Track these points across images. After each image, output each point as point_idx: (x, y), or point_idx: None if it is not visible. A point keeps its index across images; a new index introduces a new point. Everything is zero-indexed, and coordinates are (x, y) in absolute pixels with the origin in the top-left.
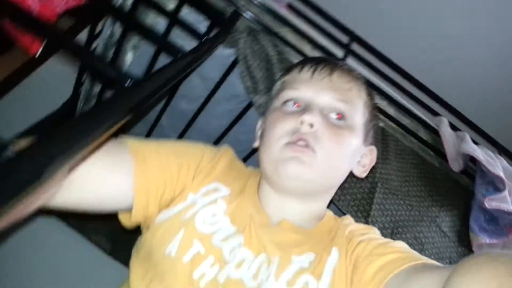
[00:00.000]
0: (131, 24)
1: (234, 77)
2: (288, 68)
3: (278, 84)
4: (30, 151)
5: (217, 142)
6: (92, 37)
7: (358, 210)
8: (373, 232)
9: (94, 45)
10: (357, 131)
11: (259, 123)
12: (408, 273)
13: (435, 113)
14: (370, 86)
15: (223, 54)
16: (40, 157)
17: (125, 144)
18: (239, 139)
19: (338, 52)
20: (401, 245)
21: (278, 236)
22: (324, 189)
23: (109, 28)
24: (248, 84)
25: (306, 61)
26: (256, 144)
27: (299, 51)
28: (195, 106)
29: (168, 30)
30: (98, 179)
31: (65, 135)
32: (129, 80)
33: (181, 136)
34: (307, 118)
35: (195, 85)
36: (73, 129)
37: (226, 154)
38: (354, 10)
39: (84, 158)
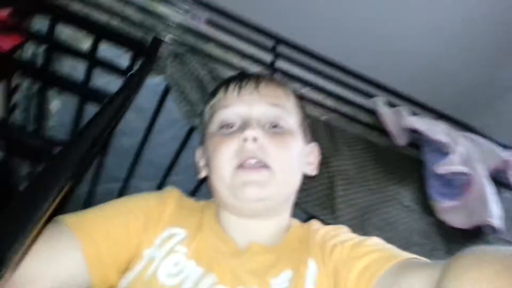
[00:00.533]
0: (47, 79)
1: (169, 103)
2: (212, 92)
3: (207, 110)
4: None
5: (169, 170)
6: (9, 95)
7: (324, 207)
8: (343, 232)
9: (12, 101)
10: (296, 133)
11: (198, 153)
12: (393, 274)
13: (370, 95)
14: (305, 84)
15: (153, 83)
16: None
17: (62, 224)
18: (191, 163)
19: (267, 57)
20: (376, 241)
21: (251, 263)
22: (285, 200)
23: (25, 84)
24: (186, 109)
25: (228, 80)
26: (202, 175)
27: (229, 64)
28: (136, 140)
29: (88, 74)
30: (50, 272)
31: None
32: (56, 147)
33: (130, 172)
34: (249, 133)
35: (132, 119)
36: (14, 217)
37: (171, 196)
38: (276, 12)
39: (28, 245)
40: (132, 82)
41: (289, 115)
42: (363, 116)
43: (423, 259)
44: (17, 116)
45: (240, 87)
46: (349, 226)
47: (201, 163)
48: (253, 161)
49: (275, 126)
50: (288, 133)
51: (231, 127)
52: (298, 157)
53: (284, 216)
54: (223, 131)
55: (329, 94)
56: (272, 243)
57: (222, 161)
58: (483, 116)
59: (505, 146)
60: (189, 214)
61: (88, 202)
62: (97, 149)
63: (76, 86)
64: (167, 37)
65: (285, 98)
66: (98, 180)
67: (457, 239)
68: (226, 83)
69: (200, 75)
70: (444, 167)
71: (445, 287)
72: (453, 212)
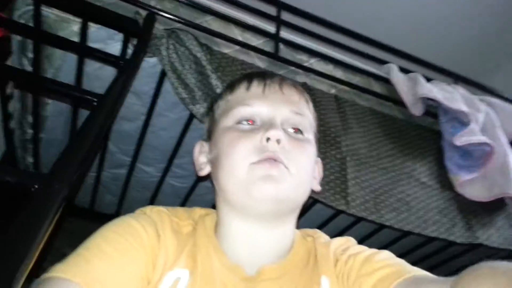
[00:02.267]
0: (39, 86)
1: (168, 85)
2: (231, 86)
3: (221, 103)
4: None
5: (174, 153)
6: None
7: (335, 192)
8: (353, 244)
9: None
10: (313, 143)
11: (198, 148)
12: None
13: (382, 62)
14: (312, 53)
15: (149, 64)
16: None
17: (63, 277)
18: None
19: (270, 28)
20: (386, 255)
21: None
22: (295, 207)
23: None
24: (183, 96)
25: (249, 76)
26: (202, 173)
27: (229, 39)
28: (138, 124)
29: (80, 66)
30: None
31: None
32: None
33: (134, 157)
34: (274, 133)
35: (131, 104)
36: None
37: (162, 220)
38: None
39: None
40: (127, 72)
41: (309, 124)
42: (376, 87)
43: (432, 275)
44: (13, 125)
45: (264, 85)
46: (362, 211)
47: (202, 159)
48: (272, 160)
49: (296, 132)
50: (307, 141)
51: (251, 123)
52: (312, 168)
53: (291, 226)
54: (241, 126)
55: (338, 63)
56: (280, 257)
57: (239, 156)
58: (501, 77)
59: None
60: (184, 243)
61: (96, 189)
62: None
63: (68, 90)
64: (161, 13)
65: (306, 107)
66: (103, 167)
67: (477, 213)
68: (247, 79)
69: (197, 57)
70: (464, 138)
71: None
72: (472, 185)
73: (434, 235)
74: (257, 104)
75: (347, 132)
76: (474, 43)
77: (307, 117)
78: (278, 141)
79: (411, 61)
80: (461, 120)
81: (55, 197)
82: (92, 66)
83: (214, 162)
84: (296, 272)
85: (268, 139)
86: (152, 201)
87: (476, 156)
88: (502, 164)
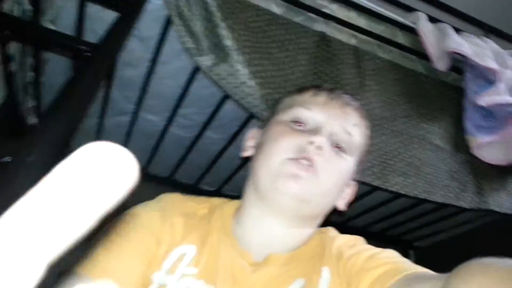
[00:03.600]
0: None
1: (174, 32)
2: (301, 89)
3: (288, 100)
4: None
5: (178, 103)
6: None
7: None
8: (360, 243)
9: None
10: (351, 164)
11: (252, 132)
12: (401, 285)
13: (410, 9)
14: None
15: (154, 6)
16: None
17: (84, 275)
18: (202, 95)
19: None
20: (390, 254)
21: (266, 276)
22: (315, 215)
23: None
24: (189, 45)
25: (321, 87)
26: (245, 153)
27: None
28: (141, 71)
29: (80, 18)
30: None
31: None
32: None
33: (137, 105)
34: (318, 140)
35: (135, 49)
36: None
37: (174, 208)
38: None
39: None
40: (126, 16)
41: (354, 146)
42: (400, 38)
43: (432, 272)
44: (14, 67)
45: (331, 97)
46: (368, 175)
47: (250, 143)
48: (306, 162)
49: (338, 147)
50: (345, 160)
51: (302, 125)
52: (341, 183)
53: (308, 230)
54: (293, 125)
55: (362, 10)
56: (289, 250)
57: (279, 149)
58: None
59: None
60: (196, 224)
61: (98, 136)
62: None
63: (63, 39)
64: None
65: (360, 132)
66: (105, 113)
67: (489, 178)
68: (318, 88)
69: (206, 2)
70: (488, 98)
71: None
72: (490, 147)
73: (441, 200)
74: (316, 111)
75: (363, 90)
76: None
77: (355, 139)
78: (319, 148)
79: (441, 9)
80: (488, 78)
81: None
82: (94, 7)
83: (258, 148)
84: (301, 262)
85: (311, 142)
86: (155, 150)
87: (499, 117)
88: None
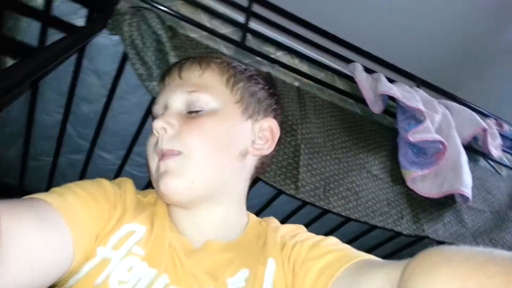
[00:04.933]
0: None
1: (130, 67)
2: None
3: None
4: None
5: (134, 140)
6: None
7: (286, 177)
8: (303, 231)
9: None
10: (222, 113)
11: None
12: (351, 275)
13: (348, 61)
14: (279, 46)
15: (110, 42)
16: None
17: (47, 203)
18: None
19: (239, 17)
20: (334, 241)
21: (207, 263)
22: (216, 186)
23: None
24: (140, 72)
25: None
26: None
27: (196, 24)
28: (98, 107)
29: (42, 34)
30: (38, 239)
31: None
32: None
33: (93, 143)
34: (155, 125)
35: (92, 84)
36: None
37: (128, 186)
38: None
39: None
40: (80, 34)
41: (211, 95)
42: (339, 83)
43: (381, 259)
44: None
45: (165, 76)
46: (311, 196)
47: None
48: (166, 151)
49: (191, 112)
50: (207, 115)
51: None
52: (226, 140)
53: (228, 207)
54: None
55: (305, 58)
56: (227, 239)
57: (149, 157)
58: (467, 84)
59: (485, 115)
60: (144, 208)
61: (52, 174)
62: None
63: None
64: None
65: (209, 77)
66: (60, 151)
67: (425, 208)
68: (162, 76)
69: (158, 34)
70: (418, 135)
71: (414, 286)
72: (423, 181)
73: (381, 225)
74: (160, 98)
75: (304, 121)
76: (450, 47)
77: (209, 88)
78: (161, 129)
79: (376, 62)
80: (417, 118)
81: None
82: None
83: None
84: (242, 252)
85: (156, 131)
86: None
87: (429, 153)
88: (454, 162)
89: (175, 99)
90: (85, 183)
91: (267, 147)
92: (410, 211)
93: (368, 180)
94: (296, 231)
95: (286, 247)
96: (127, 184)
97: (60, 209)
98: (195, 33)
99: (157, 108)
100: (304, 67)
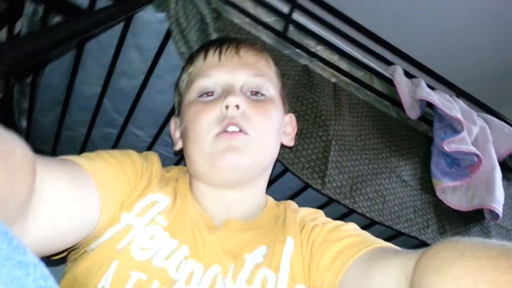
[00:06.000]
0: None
1: (173, 46)
2: (190, 58)
3: (184, 77)
4: None
5: (166, 120)
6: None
7: (314, 171)
8: (322, 215)
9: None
10: (276, 101)
11: (173, 123)
12: (367, 260)
13: (389, 63)
14: (320, 41)
15: (155, 19)
16: None
17: (79, 165)
18: None
19: (283, 7)
20: (353, 227)
21: (227, 241)
22: (262, 169)
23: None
24: (182, 50)
25: (207, 45)
26: (177, 147)
27: (241, 9)
28: (135, 83)
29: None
30: (70, 196)
31: None
32: None
33: (127, 118)
34: (232, 100)
35: (133, 60)
36: None
37: (155, 159)
38: None
39: None
40: (127, 4)
41: (270, 83)
42: (377, 83)
43: (398, 248)
44: None
45: (220, 53)
46: (337, 194)
47: (176, 135)
48: (233, 129)
49: (256, 94)
50: (269, 101)
51: (212, 94)
52: (278, 126)
53: (260, 188)
54: (203, 98)
55: (344, 55)
56: (248, 218)
57: (203, 129)
58: (509, 100)
59: None
60: (168, 182)
61: (85, 144)
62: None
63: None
64: None
65: (266, 66)
66: (95, 123)
67: (453, 221)
68: (204, 48)
69: (203, 14)
70: (453, 145)
71: (426, 282)
72: (453, 192)
73: (405, 231)
74: (215, 73)
75: (338, 118)
76: (483, 64)
77: (267, 76)
78: (237, 107)
79: (417, 67)
80: (454, 128)
81: None
82: None
83: (183, 135)
84: (261, 230)
85: (227, 107)
86: None
87: (463, 165)
88: (487, 178)
89: (242, 80)
90: (115, 152)
91: (291, 140)
92: (437, 221)
93: (397, 185)
94: (315, 214)
95: (306, 228)
96: (154, 157)
97: (91, 172)
98: (238, 19)
99: (208, 82)
100: (343, 64)
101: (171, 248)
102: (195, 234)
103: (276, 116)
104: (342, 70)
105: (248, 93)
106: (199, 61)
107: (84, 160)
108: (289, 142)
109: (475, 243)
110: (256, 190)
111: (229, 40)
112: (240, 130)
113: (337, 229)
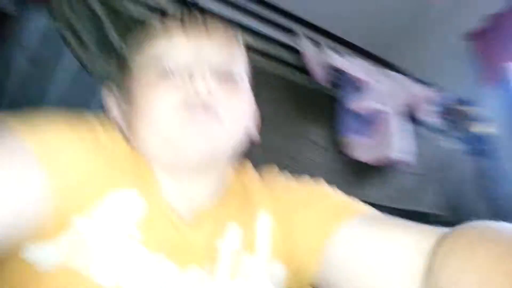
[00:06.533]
0: None
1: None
2: (149, 35)
3: (137, 51)
4: None
5: None
6: None
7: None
8: (280, 173)
9: None
10: (247, 88)
11: (110, 101)
12: (365, 229)
13: (293, 33)
14: (223, 19)
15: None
16: None
17: (16, 136)
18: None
19: None
20: (326, 185)
21: (197, 235)
22: (226, 158)
23: None
24: (79, 53)
25: (170, 21)
26: (112, 113)
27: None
28: None
29: None
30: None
31: None
32: None
33: None
34: (202, 85)
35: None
36: None
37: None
38: None
39: None
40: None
41: (240, 61)
42: (285, 56)
43: (400, 219)
44: None
45: (187, 30)
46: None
47: (114, 112)
48: (204, 113)
49: (227, 73)
50: (242, 88)
51: (175, 73)
52: (247, 115)
53: (225, 170)
54: (165, 80)
55: (249, 31)
56: (212, 198)
57: (165, 112)
58: (404, 53)
59: (423, 82)
60: (126, 163)
61: None
62: None
63: None
64: None
65: (234, 43)
66: None
67: (363, 174)
68: (166, 23)
69: (95, 11)
70: (359, 103)
71: (450, 266)
72: (361, 147)
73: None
74: (182, 52)
75: (256, 99)
76: (387, 17)
77: (237, 55)
78: (209, 92)
79: (319, 33)
80: (359, 88)
81: None
82: None
83: (131, 116)
84: (233, 209)
85: (197, 92)
86: None
87: (369, 121)
88: (387, 129)
89: (213, 61)
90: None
91: (254, 130)
92: (349, 175)
93: (314, 151)
94: (273, 173)
95: (274, 194)
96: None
97: (36, 151)
98: (133, 7)
99: (173, 59)
100: (249, 40)
101: (146, 261)
102: (167, 236)
103: (250, 103)
104: (249, 46)
105: (220, 72)
106: (163, 40)
107: (27, 129)
108: (253, 134)
109: (500, 228)
110: (221, 173)
111: (191, 15)
112: (210, 115)
113: (312, 192)
